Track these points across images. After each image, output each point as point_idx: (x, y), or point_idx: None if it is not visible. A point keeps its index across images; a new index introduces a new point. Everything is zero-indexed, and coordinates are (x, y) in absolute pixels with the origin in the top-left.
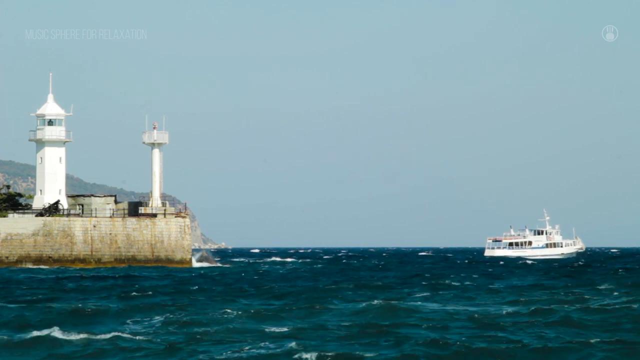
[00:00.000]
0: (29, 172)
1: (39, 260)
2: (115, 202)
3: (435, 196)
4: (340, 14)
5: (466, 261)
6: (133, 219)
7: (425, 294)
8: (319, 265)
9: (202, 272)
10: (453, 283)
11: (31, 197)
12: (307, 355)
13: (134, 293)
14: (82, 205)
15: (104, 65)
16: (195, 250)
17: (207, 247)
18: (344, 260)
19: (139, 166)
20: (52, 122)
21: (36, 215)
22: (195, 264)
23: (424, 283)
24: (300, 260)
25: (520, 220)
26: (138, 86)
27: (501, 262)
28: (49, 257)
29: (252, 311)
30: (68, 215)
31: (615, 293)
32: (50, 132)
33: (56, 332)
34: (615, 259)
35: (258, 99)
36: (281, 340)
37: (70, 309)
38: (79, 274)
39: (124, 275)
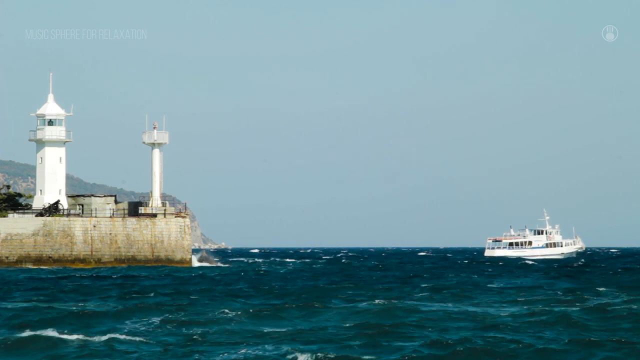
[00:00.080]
0: (29, 172)
1: (39, 260)
2: (115, 202)
3: (435, 196)
4: (340, 14)
5: (466, 261)
6: (133, 219)
7: (424, 294)
8: (319, 265)
9: (201, 272)
10: (453, 283)
11: (31, 196)
12: (306, 357)
13: (133, 294)
14: (82, 205)
15: (104, 65)
16: (195, 251)
17: (207, 247)
18: (344, 261)
19: (139, 166)
20: (52, 122)
21: (36, 215)
22: (195, 264)
23: (423, 283)
24: (299, 261)
25: (520, 220)
26: (138, 86)
27: (500, 263)
28: (49, 257)
29: (251, 311)
30: (68, 215)
31: (616, 293)
32: (50, 132)
33: (54, 333)
34: (616, 258)
35: (258, 99)
36: (280, 341)
37: (69, 310)
38: (78, 274)
39: (124, 275)
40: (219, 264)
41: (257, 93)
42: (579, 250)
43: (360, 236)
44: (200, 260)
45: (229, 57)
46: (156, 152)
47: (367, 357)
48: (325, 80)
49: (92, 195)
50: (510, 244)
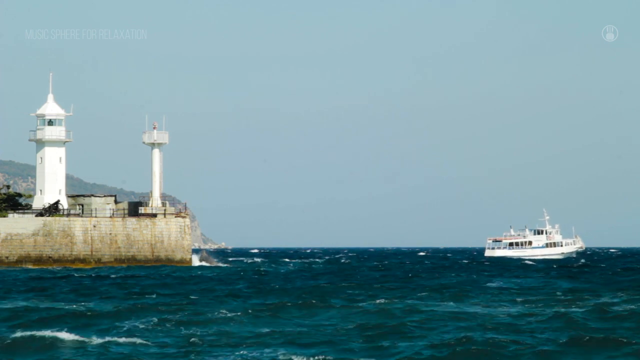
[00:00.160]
0: (29, 172)
1: (39, 260)
2: (115, 202)
3: (435, 196)
4: (340, 14)
5: (466, 261)
6: (133, 219)
7: (424, 294)
8: (319, 265)
9: (201, 272)
10: (453, 283)
11: (31, 196)
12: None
13: (133, 294)
14: (82, 205)
15: (104, 65)
16: (195, 251)
17: (207, 247)
18: (344, 261)
19: (139, 166)
20: (52, 122)
21: (36, 215)
22: (195, 264)
23: (423, 283)
24: (299, 260)
25: (520, 220)
26: (138, 86)
27: (501, 263)
28: (49, 257)
29: (250, 312)
30: (68, 215)
31: (616, 293)
32: (50, 132)
33: (53, 333)
34: (616, 258)
35: (258, 99)
36: (279, 343)
37: (68, 310)
38: (78, 274)
39: (123, 275)
40: (219, 264)
41: (257, 93)
42: (579, 250)
43: (360, 236)
44: (200, 261)
45: (229, 57)
46: (156, 152)
47: (367, 359)
48: (325, 80)
49: (92, 195)
50: (510, 244)
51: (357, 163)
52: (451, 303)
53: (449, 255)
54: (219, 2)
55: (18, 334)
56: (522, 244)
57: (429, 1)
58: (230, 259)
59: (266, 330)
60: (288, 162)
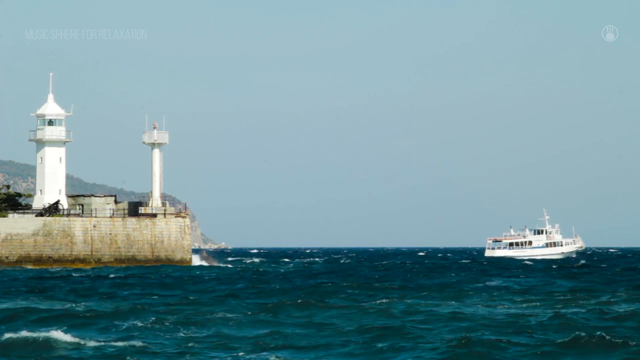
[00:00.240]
0: (29, 172)
1: (39, 260)
2: (115, 202)
3: (435, 196)
4: (340, 14)
5: (466, 261)
6: (133, 219)
7: (424, 294)
8: (318, 265)
9: (201, 272)
10: (453, 282)
11: (30, 196)
12: None
13: (132, 294)
14: (82, 205)
15: (104, 65)
16: (195, 251)
17: (207, 247)
18: (344, 260)
19: (139, 166)
20: (52, 122)
21: (36, 215)
22: (196, 264)
23: (423, 283)
24: (299, 260)
25: (520, 220)
26: (138, 86)
27: (501, 263)
28: (49, 257)
29: (249, 312)
30: (68, 215)
31: (616, 293)
32: (50, 132)
33: (51, 333)
34: (616, 258)
35: (258, 99)
36: (279, 343)
37: (67, 310)
38: (78, 274)
39: (123, 275)
40: (219, 264)
41: (257, 93)
42: (579, 250)
43: (360, 236)
44: (200, 260)
45: (229, 57)
46: (156, 152)
47: None
48: (325, 80)
49: (92, 195)
50: (511, 244)
51: (357, 163)
52: (451, 303)
53: (448, 255)
54: (219, 2)
55: (17, 334)
56: (522, 244)
57: (429, 1)
58: (230, 259)
59: (265, 331)
60: (288, 162)
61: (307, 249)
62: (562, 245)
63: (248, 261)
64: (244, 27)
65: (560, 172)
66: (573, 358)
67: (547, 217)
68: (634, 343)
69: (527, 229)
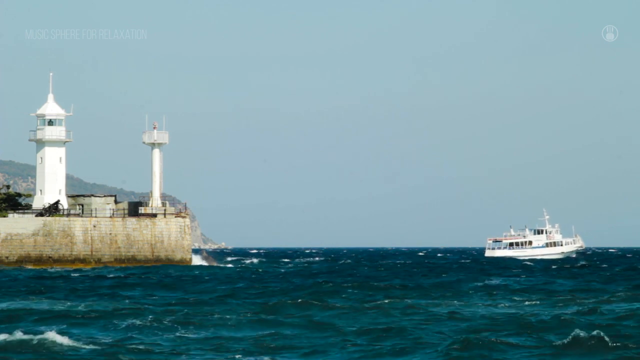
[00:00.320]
0: (29, 172)
1: (39, 260)
2: (115, 202)
3: (435, 196)
4: (340, 14)
5: (466, 261)
6: (133, 219)
7: (424, 294)
8: (318, 265)
9: (201, 272)
10: (453, 283)
11: (30, 196)
12: None
13: (132, 294)
14: (82, 205)
15: (104, 65)
16: (195, 251)
17: (207, 247)
18: (343, 261)
19: (139, 166)
20: (52, 122)
21: (36, 215)
22: (196, 264)
23: (423, 283)
24: (299, 260)
25: (520, 220)
26: (138, 86)
27: (501, 263)
28: (49, 257)
29: (249, 312)
30: (68, 215)
31: (616, 293)
32: (50, 132)
33: (50, 333)
34: (616, 258)
35: (258, 99)
36: (278, 344)
37: (66, 310)
38: (78, 274)
39: (123, 275)
40: (219, 264)
41: (257, 93)
42: (579, 250)
43: (360, 236)
44: (200, 261)
45: (229, 57)
46: (156, 152)
47: None
48: (325, 80)
49: (92, 195)
50: (511, 244)
51: (357, 163)
52: (451, 303)
53: (448, 255)
54: (219, 2)
55: (17, 334)
56: (522, 244)
57: (429, 1)
58: (230, 259)
59: (265, 331)
60: (288, 162)
61: (307, 249)
62: (562, 245)
63: (248, 261)
64: (244, 27)
65: (560, 172)
66: (573, 358)
67: (547, 217)
68: (634, 343)
69: (527, 229)
